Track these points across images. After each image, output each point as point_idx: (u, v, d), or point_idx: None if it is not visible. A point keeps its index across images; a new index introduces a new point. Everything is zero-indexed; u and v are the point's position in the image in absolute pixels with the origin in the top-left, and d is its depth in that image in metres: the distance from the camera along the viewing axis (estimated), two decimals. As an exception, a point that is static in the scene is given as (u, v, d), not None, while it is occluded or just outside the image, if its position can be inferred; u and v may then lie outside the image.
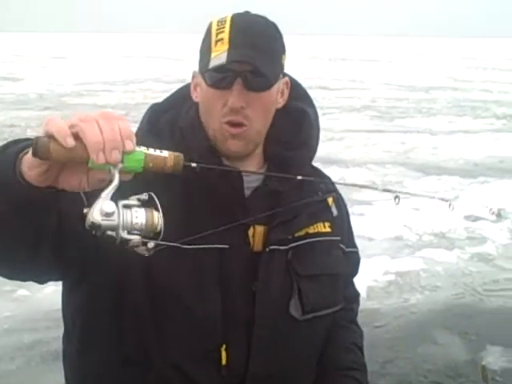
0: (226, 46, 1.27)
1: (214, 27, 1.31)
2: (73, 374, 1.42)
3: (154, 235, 0.98)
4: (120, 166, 0.94)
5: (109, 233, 0.94)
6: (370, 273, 5.45)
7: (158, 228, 0.96)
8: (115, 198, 0.96)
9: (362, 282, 5.41)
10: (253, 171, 1.37)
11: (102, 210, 0.92)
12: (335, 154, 10.90)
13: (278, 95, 1.37)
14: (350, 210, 6.27)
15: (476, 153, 11.39)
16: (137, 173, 0.97)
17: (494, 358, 4.11)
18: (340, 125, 14.29)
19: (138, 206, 0.96)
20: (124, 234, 0.94)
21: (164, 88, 22.02)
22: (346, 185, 1.46)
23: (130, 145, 0.93)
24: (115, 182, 0.95)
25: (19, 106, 17.16)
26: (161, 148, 1.03)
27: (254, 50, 1.27)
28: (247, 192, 1.37)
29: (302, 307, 1.37)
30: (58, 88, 21.84)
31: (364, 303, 5.18)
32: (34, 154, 0.93)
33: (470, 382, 3.86)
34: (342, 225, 1.53)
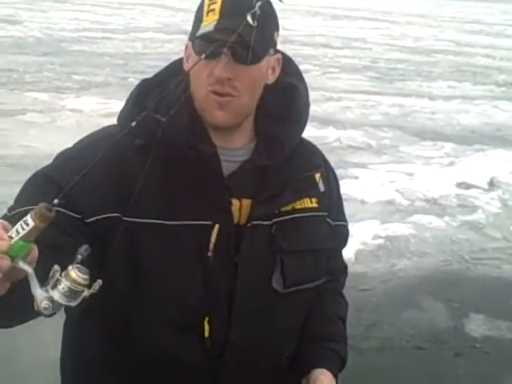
0: (216, 16, 1.28)
1: None
2: (66, 349, 1.49)
3: (89, 284, 1.01)
4: (17, 261, 0.98)
5: (64, 303, 1.00)
6: (360, 236, 5.53)
7: (81, 280, 1.00)
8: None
9: (351, 245, 5.49)
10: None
11: (40, 301, 0.99)
12: (333, 114, 10.88)
13: (268, 71, 1.38)
14: (344, 172, 6.36)
15: (473, 119, 11.39)
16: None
17: (475, 326, 4.21)
18: (339, 85, 14.21)
19: (56, 282, 1.00)
20: (72, 302, 1.00)
21: (164, 38, 21.81)
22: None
23: (3, 245, 0.95)
24: (29, 271, 0.99)
25: (17, 49, 16.98)
26: None
27: (245, 23, 1.26)
28: (234, 165, 1.38)
29: (283, 281, 1.40)
30: (57, 33, 21.57)
31: (352, 267, 5.26)
32: None
33: (451, 349, 3.97)
34: (330, 200, 1.53)
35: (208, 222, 1.33)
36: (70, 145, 1.43)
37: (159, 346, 1.35)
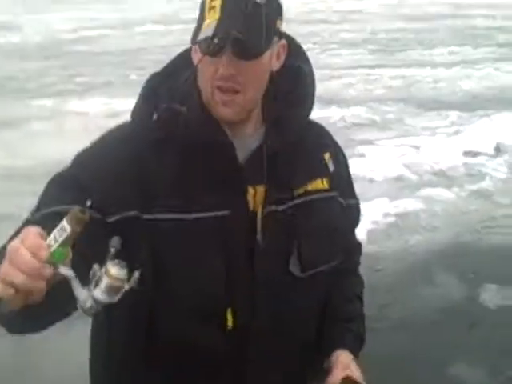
0: (217, 15, 1.29)
1: None
2: (95, 353, 1.53)
3: (128, 278, 1.06)
4: (59, 266, 1.03)
5: (107, 301, 1.05)
6: (370, 216, 5.57)
7: (122, 276, 1.04)
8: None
9: (362, 225, 5.50)
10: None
11: (84, 302, 1.04)
12: (335, 92, 10.85)
13: (272, 59, 1.39)
14: (351, 150, 6.37)
15: (476, 84, 11.32)
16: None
17: (489, 296, 4.27)
18: (340, 61, 14.15)
19: (98, 280, 1.05)
20: (114, 297, 1.05)
21: (163, 30, 21.74)
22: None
23: (43, 255, 1.00)
24: (71, 274, 1.04)
25: (18, 56, 17.04)
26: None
27: (245, 19, 1.29)
28: (246, 153, 1.40)
29: (300, 264, 1.42)
30: (57, 35, 21.58)
31: (364, 247, 5.30)
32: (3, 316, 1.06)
33: (467, 320, 4.03)
34: (340, 179, 1.56)
35: (225, 212, 1.36)
36: (79, 149, 1.46)
37: (184, 336, 1.38)
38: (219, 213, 1.36)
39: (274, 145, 1.40)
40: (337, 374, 1.46)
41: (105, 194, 1.28)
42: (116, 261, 1.05)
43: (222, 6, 1.29)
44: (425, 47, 16.20)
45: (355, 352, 1.56)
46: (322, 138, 1.55)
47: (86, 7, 33.33)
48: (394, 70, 13.12)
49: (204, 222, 1.35)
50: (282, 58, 1.42)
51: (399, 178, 6.67)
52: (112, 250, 1.07)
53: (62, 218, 1.14)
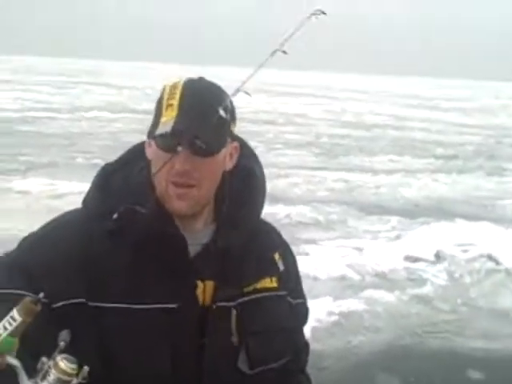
0: (174, 113, 1.33)
1: (167, 92, 1.38)
2: None
3: (76, 373, 1.06)
4: (5, 356, 1.02)
5: None
6: (314, 314, 5.59)
7: (70, 370, 1.04)
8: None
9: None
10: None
11: None
12: (281, 191, 11.08)
13: (226, 158, 1.43)
14: (296, 248, 6.35)
15: (416, 193, 11.79)
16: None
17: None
18: (286, 160, 14.53)
19: (46, 373, 1.04)
20: None
21: (110, 117, 21.94)
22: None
23: None
24: (18, 365, 1.04)
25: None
26: None
27: (200, 119, 1.33)
28: (196, 248, 1.40)
29: (249, 362, 1.41)
30: (2, 113, 21.50)
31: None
32: None
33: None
34: (289, 278, 1.55)
35: (174, 305, 1.35)
36: (20, 228, 1.46)
37: None
38: (168, 305, 1.35)
39: (224, 243, 1.42)
40: None
41: (50, 279, 1.26)
42: (64, 355, 1.04)
43: (180, 105, 1.34)
44: (366, 154, 16.84)
45: None
46: (271, 238, 1.55)
47: (33, 89, 33.54)
48: (337, 173, 13.54)
49: (152, 314, 1.34)
50: (235, 158, 1.46)
51: (342, 278, 6.76)
52: (61, 343, 1.06)
53: (6, 301, 1.14)
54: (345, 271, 6.94)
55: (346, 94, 45.29)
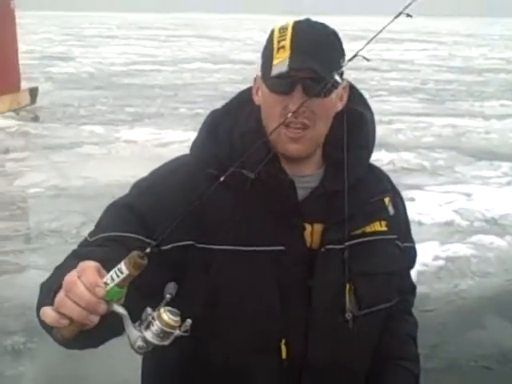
0: (287, 53, 1.32)
1: (276, 34, 1.36)
2: (149, 367, 1.54)
3: (180, 324, 1.08)
4: (113, 304, 1.06)
5: (157, 343, 1.07)
6: (420, 258, 5.44)
7: (173, 323, 1.06)
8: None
9: (412, 266, 5.44)
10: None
11: (134, 341, 1.07)
12: (384, 137, 10.83)
13: (337, 100, 1.41)
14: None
15: (529, 138, 11.20)
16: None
17: (544, 345, 4.11)
18: (389, 107, 14.17)
19: (149, 323, 1.07)
20: (165, 341, 1.07)
21: (212, 68, 22.14)
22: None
23: (99, 292, 1.03)
24: (124, 313, 1.07)
25: (71, 85, 17.48)
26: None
27: (314, 57, 1.31)
28: (305, 192, 1.42)
29: (357, 303, 1.42)
30: (108, 67, 22.15)
31: (414, 287, 5.12)
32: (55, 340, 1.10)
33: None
34: (399, 223, 1.56)
35: (282, 248, 1.37)
36: (126, 174, 1.50)
37: (236, 367, 1.39)
38: (276, 248, 1.37)
39: (332, 186, 1.42)
40: None
41: (162, 223, 1.26)
42: (169, 307, 1.07)
43: (292, 45, 1.32)
44: (476, 99, 16.15)
45: None
46: (381, 182, 1.54)
47: (137, 43, 34.31)
48: (444, 118, 13.07)
49: (259, 256, 1.36)
50: (345, 98, 1.44)
51: (449, 223, 6.56)
52: (167, 296, 1.09)
53: (116, 242, 1.25)
54: (452, 217, 6.72)
55: (453, 39, 43.55)
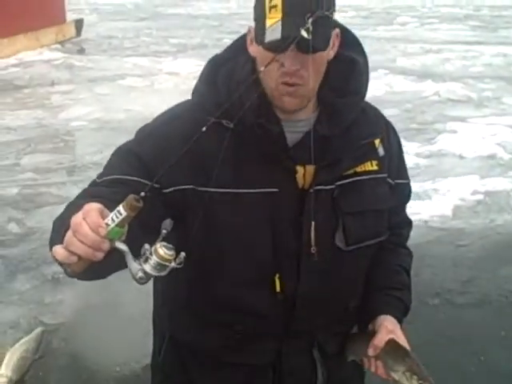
0: (279, 14, 1.32)
1: None
2: (160, 299, 1.71)
3: (175, 257, 1.18)
4: (115, 242, 1.16)
5: (155, 274, 1.18)
6: (458, 192, 5.42)
7: (168, 256, 1.16)
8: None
9: (448, 200, 5.39)
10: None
11: (135, 273, 1.18)
12: (431, 67, 10.58)
13: (329, 51, 1.43)
14: (442, 126, 6.18)
15: None
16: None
17: None
18: (439, 36, 13.75)
19: (147, 258, 1.18)
20: (162, 272, 1.18)
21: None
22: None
23: (102, 232, 1.13)
24: (125, 249, 1.18)
25: (116, 16, 17.45)
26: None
27: (306, 17, 1.31)
28: (298, 136, 1.47)
29: (345, 239, 1.50)
30: (154, -2, 21.97)
31: (449, 222, 5.15)
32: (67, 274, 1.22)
33: (552, 304, 3.86)
34: (390, 161, 1.60)
35: (275, 189, 1.45)
36: (168, 107, 1.55)
37: (235, 297, 1.51)
38: (268, 189, 1.44)
39: (325, 130, 1.47)
40: (381, 338, 1.53)
41: (163, 166, 1.34)
42: (164, 243, 1.17)
43: (284, 6, 1.32)
44: (531, 26, 15.52)
45: (399, 317, 1.61)
46: (373, 125, 1.57)
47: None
48: (496, 47, 12.63)
49: (254, 197, 1.44)
50: (336, 45, 1.46)
51: (491, 157, 6.43)
52: (163, 231, 1.19)
53: (121, 184, 1.37)
54: (494, 150, 6.58)
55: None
